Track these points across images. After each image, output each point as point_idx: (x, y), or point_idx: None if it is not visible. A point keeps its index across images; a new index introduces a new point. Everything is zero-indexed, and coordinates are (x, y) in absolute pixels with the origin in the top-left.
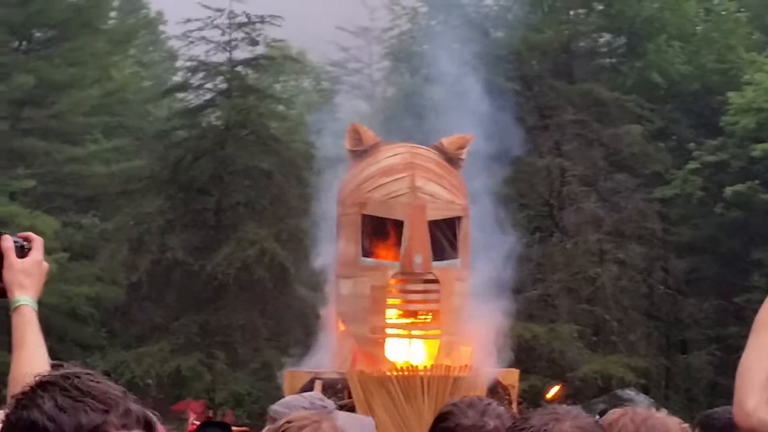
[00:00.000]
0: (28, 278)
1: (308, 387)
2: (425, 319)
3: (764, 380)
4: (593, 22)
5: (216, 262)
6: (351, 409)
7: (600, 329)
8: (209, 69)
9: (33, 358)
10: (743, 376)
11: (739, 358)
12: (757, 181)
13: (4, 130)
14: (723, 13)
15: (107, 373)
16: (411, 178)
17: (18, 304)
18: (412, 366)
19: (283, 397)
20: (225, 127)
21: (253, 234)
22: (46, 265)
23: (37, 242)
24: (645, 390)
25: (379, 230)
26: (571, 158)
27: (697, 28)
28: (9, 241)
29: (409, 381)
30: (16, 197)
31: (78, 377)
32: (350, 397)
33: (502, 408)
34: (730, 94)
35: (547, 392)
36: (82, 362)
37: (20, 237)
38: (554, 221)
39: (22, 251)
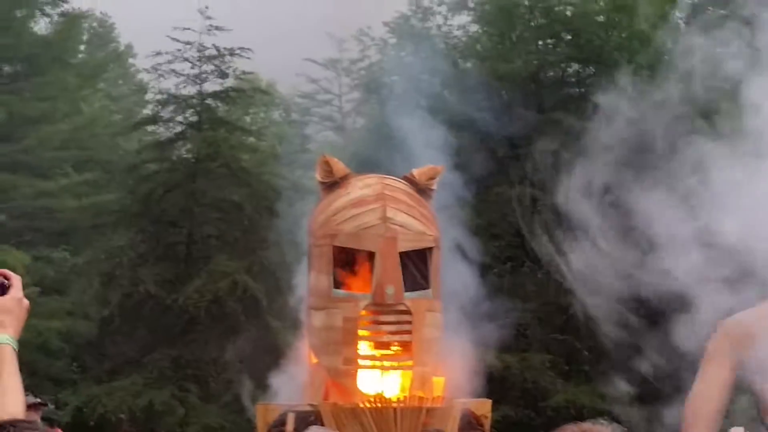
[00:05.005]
0: (8, 316)
1: (281, 420)
2: (398, 350)
3: (710, 412)
4: (562, 51)
5: (187, 295)
6: None
7: (572, 358)
8: (179, 102)
9: (6, 400)
10: (693, 406)
11: None
12: None
13: None
14: (692, 42)
15: (79, 409)
16: (382, 209)
17: None
18: (384, 397)
19: (254, 430)
20: (195, 159)
21: (224, 266)
22: (26, 302)
23: (16, 280)
24: (617, 419)
25: (351, 262)
26: (542, 188)
27: (665, 57)
28: None
29: (382, 412)
30: None
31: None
32: None
33: None
34: (699, 122)
35: None
36: (54, 397)
37: None
38: (525, 251)
39: (2, 289)
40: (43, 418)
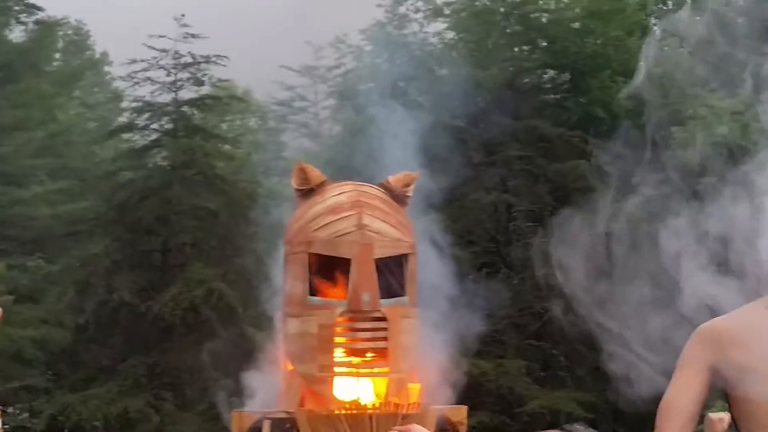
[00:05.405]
0: None
1: (256, 427)
2: (373, 357)
3: (685, 417)
4: (537, 58)
5: (163, 303)
6: None
7: (548, 364)
8: (155, 109)
9: None
10: (665, 412)
11: None
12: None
13: None
14: (665, 48)
15: (54, 417)
16: (358, 216)
17: None
18: (360, 404)
19: None
20: (171, 167)
21: (200, 274)
22: None
23: None
24: (593, 424)
25: (327, 269)
26: (517, 194)
27: (640, 63)
28: None
29: (358, 419)
30: None
31: None
32: None
33: None
34: (674, 128)
35: None
36: (29, 405)
37: None
38: (501, 257)
39: None
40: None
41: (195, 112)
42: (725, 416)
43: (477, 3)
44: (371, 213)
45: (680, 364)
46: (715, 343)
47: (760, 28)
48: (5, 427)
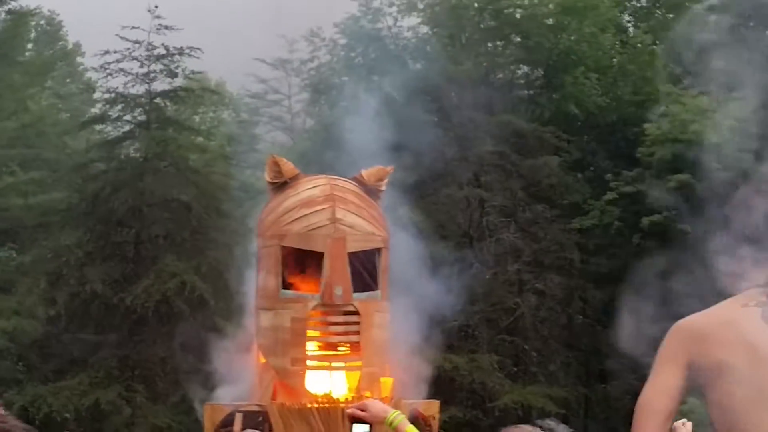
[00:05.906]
0: None
1: (229, 420)
2: (345, 350)
3: (663, 415)
4: (511, 54)
5: (135, 295)
6: None
7: (520, 359)
8: (128, 101)
9: None
10: (643, 410)
11: None
12: (673, 212)
13: None
14: (638, 45)
15: (24, 408)
16: (331, 209)
17: None
18: (332, 398)
19: (202, 430)
20: (144, 159)
21: (172, 266)
22: None
23: None
24: (565, 420)
25: (300, 262)
26: (490, 189)
27: (614, 60)
28: None
29: (330, 413)
30: None
31: None
32: (271, 429)
33: None
34: (647, 125)
35: None
36: None
37: None
38: (474, 252)
39: None
40: None
41: (168, 103)
42: (689, 423)
43: None
44: (344, 207)
45: (658, 362)
46: (693, 340)
47: (734, 26)
48: None
